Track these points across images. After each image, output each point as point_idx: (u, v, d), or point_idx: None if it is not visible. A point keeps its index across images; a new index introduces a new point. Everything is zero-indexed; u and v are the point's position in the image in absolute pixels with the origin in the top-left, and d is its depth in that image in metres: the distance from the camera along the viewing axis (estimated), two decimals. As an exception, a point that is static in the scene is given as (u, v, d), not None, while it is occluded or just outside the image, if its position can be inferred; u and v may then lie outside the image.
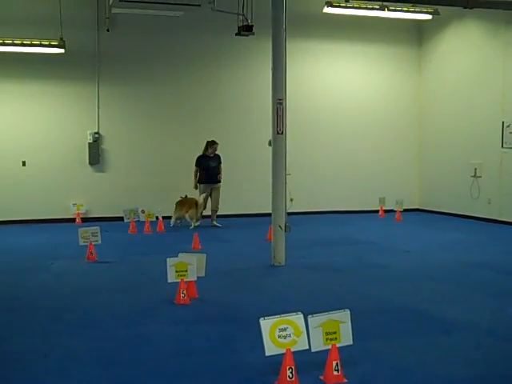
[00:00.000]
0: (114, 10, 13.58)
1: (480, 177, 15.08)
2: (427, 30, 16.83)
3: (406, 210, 15.83)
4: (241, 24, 13.26)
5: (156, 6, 12.26)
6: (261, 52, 14.57)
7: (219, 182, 14.12)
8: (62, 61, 14.18)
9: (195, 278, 7.49)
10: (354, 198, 16.45)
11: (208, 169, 13.96)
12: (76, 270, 9.38)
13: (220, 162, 14.16)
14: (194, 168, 14.00)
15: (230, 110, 15.76)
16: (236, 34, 13.43)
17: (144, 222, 13.28)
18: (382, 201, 16.05)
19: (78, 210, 14.66)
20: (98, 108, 14.88)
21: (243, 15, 13.23)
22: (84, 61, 14.65)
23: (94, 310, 7.09)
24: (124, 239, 12.35)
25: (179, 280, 7.33)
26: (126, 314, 6.95)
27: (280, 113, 9.54)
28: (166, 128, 15.44)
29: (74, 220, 14.55)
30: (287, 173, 9.93)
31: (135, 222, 13.24)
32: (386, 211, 15.95)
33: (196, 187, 13.99)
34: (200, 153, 14.04)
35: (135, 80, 15.12)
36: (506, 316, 6.84)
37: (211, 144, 14.07)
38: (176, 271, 7.34)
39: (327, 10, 14.22)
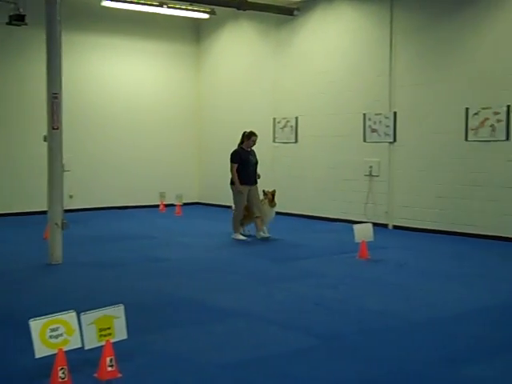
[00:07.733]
0: None
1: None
2: (205, 28, 17.38)
3: (186, 204, 16.24)
4: (12, 13, 12.62)
5: None
6: (36, 43, 13.98)
7: (256, 182, 11.96)
8: None
9: (-38, 282, 7.07)
10: (135, 193, 16.55)
11: (248, 166, 11.69)
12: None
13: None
14: (232, 165, 11.62)
15: (4, 103, 14.93)
16: (7, 23, 12.76)
17: None
18: (162, 195, 16.30)
19: None
20: None
21: (14, 3, 12.61)
22: None
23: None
24: None
25: None
26: None
27: (55, 108, 9.26)
28: None
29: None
30: (66, 169, 9.72)
31: None
32: (167, 205, 16.21)
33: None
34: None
35: None
36: (274, 301, 7.33)
37: (248, 136, 11.80)
38: None
39: (105, 3, 14.11)
